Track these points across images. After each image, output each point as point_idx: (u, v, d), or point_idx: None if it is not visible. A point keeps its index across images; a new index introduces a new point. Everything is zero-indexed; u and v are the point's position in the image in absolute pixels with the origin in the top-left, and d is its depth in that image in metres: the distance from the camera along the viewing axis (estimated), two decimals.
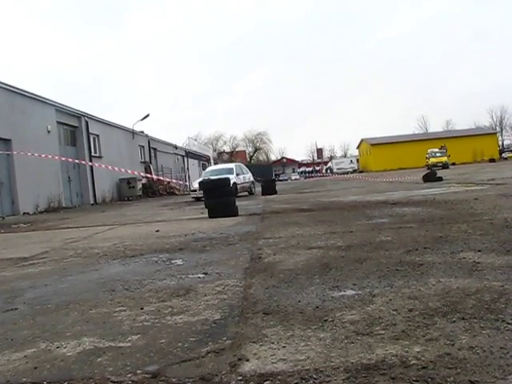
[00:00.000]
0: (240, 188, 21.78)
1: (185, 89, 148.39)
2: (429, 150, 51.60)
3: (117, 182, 28.60)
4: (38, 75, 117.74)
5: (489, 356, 2.10)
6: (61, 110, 23.36)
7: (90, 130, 26.27)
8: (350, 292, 3.31)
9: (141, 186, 30.12)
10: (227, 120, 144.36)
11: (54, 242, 8.03)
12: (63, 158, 19.56)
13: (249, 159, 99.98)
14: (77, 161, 21.00)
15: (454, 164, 52.17)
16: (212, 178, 15.28)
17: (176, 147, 44.62)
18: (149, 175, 29.82)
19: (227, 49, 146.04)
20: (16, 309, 3.63)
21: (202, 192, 16.39)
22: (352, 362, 2.14)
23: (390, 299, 3.05)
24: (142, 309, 3.32)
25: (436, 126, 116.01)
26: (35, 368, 2.38)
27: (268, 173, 55.42)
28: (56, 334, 2.91)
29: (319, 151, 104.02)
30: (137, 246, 6.54)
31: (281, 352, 2.33)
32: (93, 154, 26.50)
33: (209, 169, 25.24)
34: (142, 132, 35.77)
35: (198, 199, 19.97)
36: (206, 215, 10.77)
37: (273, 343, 2.45)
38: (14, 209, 18.29)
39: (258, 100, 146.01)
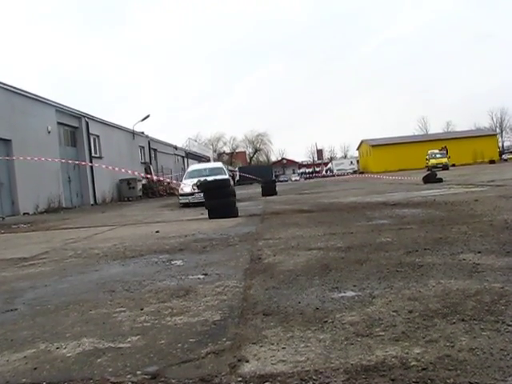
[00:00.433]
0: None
1: (185, 90, 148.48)
2: (429, 152, 51.61)
3: (117, 182, 28.60)
4: (38, 75, 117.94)
5: (489, 358, 2.10)
6: (61, 110, 23.36)
7: (90, 131, 26.27)
8: (349, 293, 3.31)
9: (141, 186, 30.12)
10: (227, 121, 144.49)
11: (54, 242, 8.03)
12: (63, 160, 19.56)
13: (249, 160, 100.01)
14: (77, 162, 20.97)
15: (454, 165, 52.16)
16: (209, 179, 14.85)
17: (176, 148, 44.64)
18: (149, 176, 29.83)
19: (228, 50, 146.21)
20: (16, 309, 3.63)
21: (195, 196, 16.25)
22: (352, 364, 2.14)
23: (390, 300, 3.05)
24: (141, 309, 3.31)
25: (436, 128, 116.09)
26: (35, 369, 2.38)
27: (268, 174, 55.34)
28: (56, 334, 2.91)
29: (319, 152, 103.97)
30: (137, 247, 6.54)
31: (281, 353, 2.33)
32: (93, 154, 26.51)
33: (192, 168, 21.36)
34: (143, 133, 35.78)
35: (187, 205, 16.97)
36: (206, 216, 10.77)
37: (273, 344, 2.45)
38: (14, 209, 18.29)
39: (259, 101, 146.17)
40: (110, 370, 2.29)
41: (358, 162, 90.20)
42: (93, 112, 27.36)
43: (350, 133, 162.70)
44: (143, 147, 35.75)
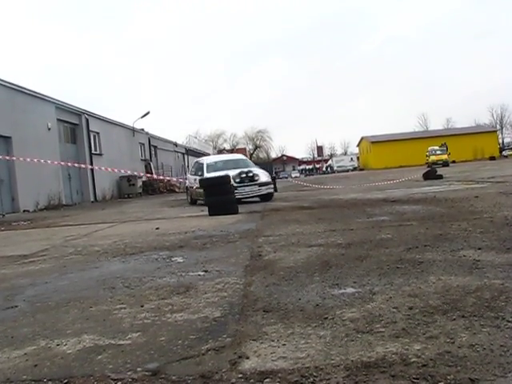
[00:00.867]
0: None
1: (185, 86, 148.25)
2: (429, 148, 51.54)
3: (117, 179, 28.58)
4: (38, 72, 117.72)
5: (489, 354, 2.10)
6: (61, 107, 23.33)
7: (90, 128, 26.24)
8: (350, 290, 3.31)
9: (141, 183, 30.11)
10: (228, 118, 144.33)
11: (54, 239, 8.04)
12: (62, 163, 19.50)
13: (249, 157, 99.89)
14: (76, 165, 20.88)
15: (454, 162, 52.07)
16: (232, 174, 13.55)
17: (176, 145, 44.59)
18: (149, 175, 29.80)
19: (228, 47, 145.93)
20: (16, 306, 3.64)
21: (239, 191, 13.75)
22: (352, 360, 2.14)
23: (391, 297, 3.05)
24: (142, 306, 3.32)
25: (436, 124, 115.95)
26: (35, 365, 2.38)
27: (268, 170, 55.23)
28: (56, 331, 2.91)
29: (319, 149, 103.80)
30: (137, 244, 6.54)
31: (281, 350, 2.33)
32: (93, 151, 26.48)
33: (213, 160, 17.48)
34: (143, 130, 35.73)
35: (194, 202, 15.66)
36: (206, 213, 10.77)
37: (273, 341, 2.45)
38: (14, 206, 18.28)
39: (259, 98, 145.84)
40: (111, 366, 2.29)
41: (358, 158, 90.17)
42: (93, 109, 27.39)
43: (350, 129, 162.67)
44: (143, 144, 35.72)
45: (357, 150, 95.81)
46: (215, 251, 5.45)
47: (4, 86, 18.55)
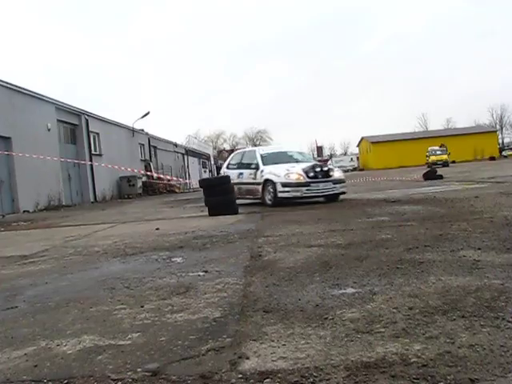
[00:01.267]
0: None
1: (185, 87, 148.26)
2: (429, 148, 51.55)
3: (117, 179, 28.58)
4: (38, 72, 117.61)
5: (489, 354, 2.10)
6: (61, 108, 23.33)
7: (90, 128, 26.23)
8: (350, 290, 3.31)
9: (141, 183, 30.11)
10: (227, 118, 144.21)
11: (55, 240, 8.03)
12: (62, 159, 19.49)
13: None
14: (76, 161, 20.88)
15: (454, 162, 52.10)
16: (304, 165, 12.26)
17: (176, 145, 44.60)
18: (149, 173, 29.78)
19: (228, 47, 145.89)
20: (16, 307, 3.64)
21: (311, 188, 11.70)
22: (352, 360, 2.14)
23: (391, 297, 3.06)
24: (142, 307, 3.32)
25: (436, 125, 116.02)
26: (35, 366, 2.38)
27: None
28: (56, 331, 2.91)
29: (319, 149, 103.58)
30: (137, 244, 6.54)
31: (281, 350, 2.33)
32: (93, 152, 26.47)
33: (268, 151, 14.18)
34: (142, 130, 35.73)
35: (281, 200, 11.97)
36: (206, 213, 10.77)
37: (273, 341, 2.45)
38: (14, 207, 18.28)
39: (259, 98, 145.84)
40: (111, 367, 2.29)
41: (357, 158, 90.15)
42: (94, 109, 27.40)
43: (350, 130, 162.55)
44: (143, 144, 35.71)
45: (357, 151, 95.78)
46: (215, 251, 5.45)
47: (3, 86, 18.55)
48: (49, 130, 21.56)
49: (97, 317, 3.18)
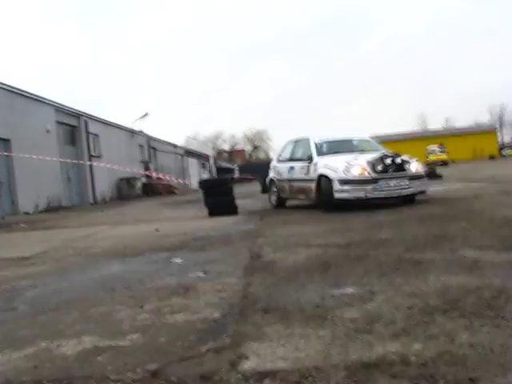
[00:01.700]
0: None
1: (184, 88, 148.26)
2: (428, 147, 51.57)
3: (116, 181, 28.56)
4: (37, 73, 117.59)
5: (488, 353, 2.10)
6: (60, 109, 23.32)
7: (89, 130, 26.22)
8: (349, 290, 3.31)
9: (140, 185, 30.10)
10: (226, 119, 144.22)
11: (54, 241, 8.03)
12: (61, 160, 19.46)
13: (248, 157, 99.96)
14: (75, 161, 20.81)
15: (453, 161, 52.12)
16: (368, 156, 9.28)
17: (175, 146, 44.61)
18: (148, 174, 29.76)
19: (227, 47, 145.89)
20: (16, 308, 3.64)
21: (381, 186, 8.87)
22: (352, 360, 2.14)
23: (390, 297, 3.06)
24: (141, 307, 3.32)
25: (435, 124, 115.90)
26: (35, 367, 2.38)
27: (268, 171, 55.21)
28: (56, 332, 2.91)
29: None
30: (137, 245, 6.54)
31: (281, 350, 2.33)
32: (92, 153, 26.46)
33: (324, 138, 11.06)
34: (142, 131, 35.73)
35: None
36: (206, 214, 10.77)
37: (272, 341, 2.45)
38: (13, 208, 18.26)
39: (258, 98, 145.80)
40: (110, 367, 2.29)
41: None
42: (92, 110, 27.40)
43: (349, 129, 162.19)
44: (142, 146, 35.71)
45: None
46: (215, 252, 5.45)
47: (2, 88, 18.55)
48: (48, 131, 21.56)
49: (96, 318, 3.18)
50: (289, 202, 11.96)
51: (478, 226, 5.72)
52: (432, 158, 48.24)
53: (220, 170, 62.23)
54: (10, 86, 19.01)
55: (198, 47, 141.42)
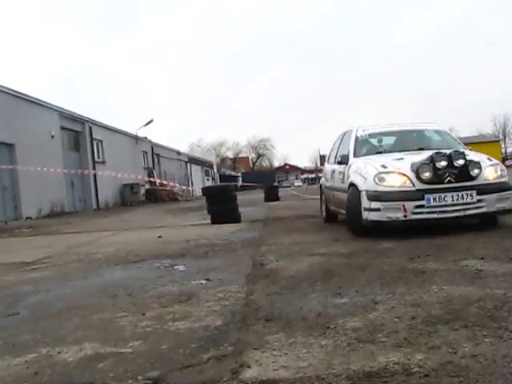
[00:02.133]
0: None
1: (188, 96, 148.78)
2: None
3: (120, 187, 28.62)
4: (43, 77, 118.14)
5: (491, 364, 2.09)
6: (64, 115, 23.43)
7: (93, 136, 26.32)
8: (352, 299, 3.30)
9: (144, 191, 30.15)
10: (230, 126, 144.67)
11: (57, 246, 8.04)
12: (65, 171, 19.44)
13: (252, 165, 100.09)
14: (80, 171, 20.78)
15: None
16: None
17: (179, 153, 44.70)
18: (152, 180, 29.80)
19: (232, 56, 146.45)
20: (18, 313, 3.64)
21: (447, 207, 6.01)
22: (354, 370, 2.13)
23: (393, 306, 3.05)
24: (143, 314, 3.31)
25: None
26: (36, 373, 2.37)
27: (271, 179, 55.38)
28: (57, 339, 2.91)
29: (322, 158, 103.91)
30: (139, 252, 6.54)
31: (282, 359, 2.32)
32: (96, 159, 26.55)
33: (371, 130, 8.17)
34: (146, 138, 35.84)
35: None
36: (209, 221, 10.77)
37: (274, 350, 2.44)
38: (16, 213, 18.30)
39: (262, 107, 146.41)
40: (112, 374, 2.29)
41: None
42: (98, 116, 27.55)
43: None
44: (146, 152, 35.80)
45: None
46: (217, 260, 5.45)
47: (7, 93, 18.64)
48: (52, 137, 21.64)
49: (98, 324, 3.17)
50: (291, 212, 11.90)
51: (481, 236, 5.66)
52: None
53: (223, 177, 62.34)
54: (14, 91, 19.11)
55: (204, 54, 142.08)
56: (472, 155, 6.54)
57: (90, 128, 26.11)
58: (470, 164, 6.12)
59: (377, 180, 6.24)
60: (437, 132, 8.39)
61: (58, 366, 2.46)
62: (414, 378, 2.02)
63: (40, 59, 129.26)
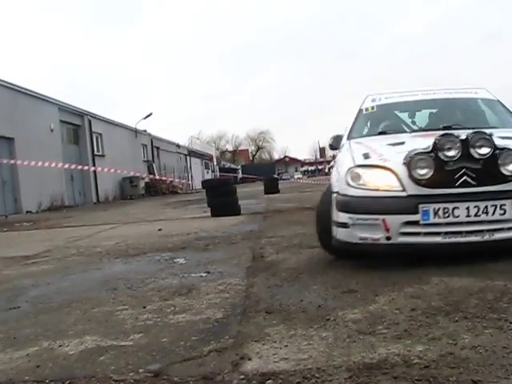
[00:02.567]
0: None
1: (188, 88, 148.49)
2: None
3: (119, 180, 28.62)
4: (42, 71, 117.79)
5: (491, 355, 2.09)
6: (64, 108, 23.39)
7: (92, 129, 26.29)
8: (352, 291, 3.30)
9: (143, 184, 30.15)
10: (230, 119, 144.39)
11: (57, 240, 8.04)
12: (66, 166, 19.38)
13: (251, 158, 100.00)
14: (80, 167, 20.72)
15: None
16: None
17: (179, 146, 44.64)
18: (151, 174, 29.81)
19: (231, 49, 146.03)
20: (19, 307, 3.64)
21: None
22: (354, 361, 2.13)
23: (393, 298, 3.05)
24: (144, 307, 3.32)
25: None
26: (37, 366, 2.38)
27: (271, 172, 55.32)
28: (58, 332, 2.91)
29: (322, 150, 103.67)
30: (139, 245, 6.54)
31: (283, 351, 2.33)
32: (96, 152, 26.53)
33: (385, 100, 5.69)
34: (145, 131, 35.78)
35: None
36: (209, 214, 10.77)
37: (275, 342, 2.45)
38: (16, 207, 18.32)
39: (262, 99, 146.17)
40: (113, 367, 2.29)
41: None
42: (97, 109, 27.48)
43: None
44: (146, 145, 35.76)
45: None
46: (217, 252, 5.45)
47: (7, 87, 18.60)
48: (52, 130, 21.62)
49: (99, 317, 3.18)
50: (291, 205, 11.91)
51: None
52: None
53: (223, 170, 62.30)
54: (13, 85, 19.08)
55: (203, 47, 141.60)
56: (497, 139, 3.74)
57: (90, 121, 26.07)
58: (500, 155, 3.60)
59: (349, 178, 3.91)
60: (484, 102, 5.72)
61: (59, 359, 2.46)
62: (415, 369, 2.02)
63: (40, 54, 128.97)
